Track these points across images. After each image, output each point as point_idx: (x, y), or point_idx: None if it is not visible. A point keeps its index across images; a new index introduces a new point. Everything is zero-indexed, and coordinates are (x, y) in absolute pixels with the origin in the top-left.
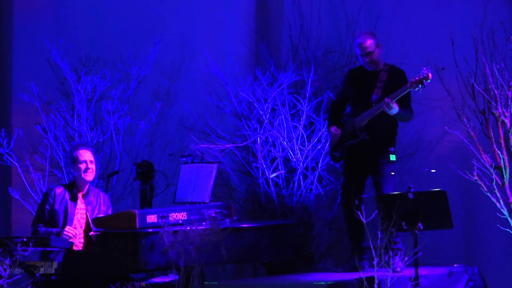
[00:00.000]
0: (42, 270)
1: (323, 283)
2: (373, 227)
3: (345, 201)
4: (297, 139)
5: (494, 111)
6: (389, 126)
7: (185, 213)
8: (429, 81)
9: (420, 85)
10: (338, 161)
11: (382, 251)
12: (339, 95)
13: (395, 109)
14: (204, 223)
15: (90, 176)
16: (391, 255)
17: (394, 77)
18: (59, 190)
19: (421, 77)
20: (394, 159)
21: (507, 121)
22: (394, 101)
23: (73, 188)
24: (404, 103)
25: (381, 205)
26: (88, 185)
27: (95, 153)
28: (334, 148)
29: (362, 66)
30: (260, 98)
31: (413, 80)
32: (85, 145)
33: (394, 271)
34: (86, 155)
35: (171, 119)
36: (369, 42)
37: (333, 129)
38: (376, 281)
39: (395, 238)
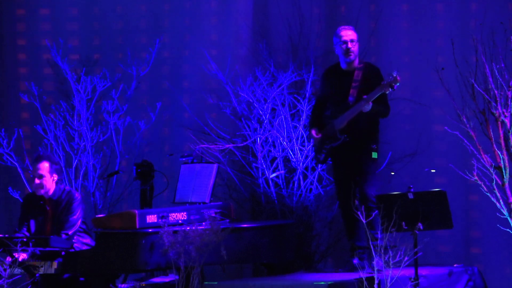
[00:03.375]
0: (42, 270)
1: (323, 283)
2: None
3: (340, 201)
4: (297, 139)
5: (494, 111)
6: (369, 125)
7: (185, 213)
8: (398, 84)
9: (390, 89)
10: (323, 163)
11: (382, 251)
12: (319, 97)
13: (369, 106)
14: (204, 223)
15: (38, 191)
16: (374, 254)
17: (369, 75)
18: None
19: (390, 80)
20: (376, 156)
21: (507, 121)
22: (372, 99)
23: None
24: (381, 100)
25: (381, 205)
26: (48, 193)
27: (54, 163)
28: (317, 150)
29: (337, 65)
30: (260, 98)
31: (384, 83)
32: (38, 158)
33: (373, 269)
34: (36, 169)
35: (170, 119)
36: (354, 32)
37: (314, 132)
38: (376, 281)
39: (375, 234)
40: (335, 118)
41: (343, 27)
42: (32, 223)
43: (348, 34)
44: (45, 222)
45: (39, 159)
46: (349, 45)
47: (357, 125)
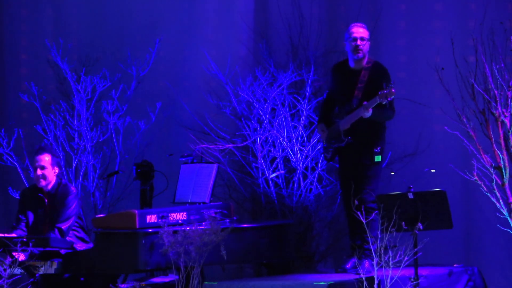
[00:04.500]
0: (42, 270)
1: (323, 283)
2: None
3: (343, 200)
4: (297, 139)
5: (494, 111)
6: (372, 128)
7: (185, 213)
8: (393, 96)
9: (386, 100)
10: (330, 161)
11: (382, 251)
12: (329, 91)
13: (369, 113)
14: (204, 223)
15: (39, 182)
16: (362, 257)
17: (375, 77)
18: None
19: (386, 92)
20: (380, 159)
21: (506, 121)
22: (371, 106)
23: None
24: (385, 104)
25: (381, 205)
26: (48, 186)
27: (55, 156)
28: (325, 148)
29: (345, 62)
30: (260, 98)
31: (380, 93)
32: (40, 150)
33: (356, 273)
34: (37, 161)
35: (170, 119)
36: (366, 30)
37: (320, 128)
38: (376, 281)
39: (367, 238)
40: (340, 119)
41: (355, 24)
42: (30, 215)
43: (359, 31)
44: (44, 215)
45: (40, 150)
46: (359, 42)
47: (360, 128)
